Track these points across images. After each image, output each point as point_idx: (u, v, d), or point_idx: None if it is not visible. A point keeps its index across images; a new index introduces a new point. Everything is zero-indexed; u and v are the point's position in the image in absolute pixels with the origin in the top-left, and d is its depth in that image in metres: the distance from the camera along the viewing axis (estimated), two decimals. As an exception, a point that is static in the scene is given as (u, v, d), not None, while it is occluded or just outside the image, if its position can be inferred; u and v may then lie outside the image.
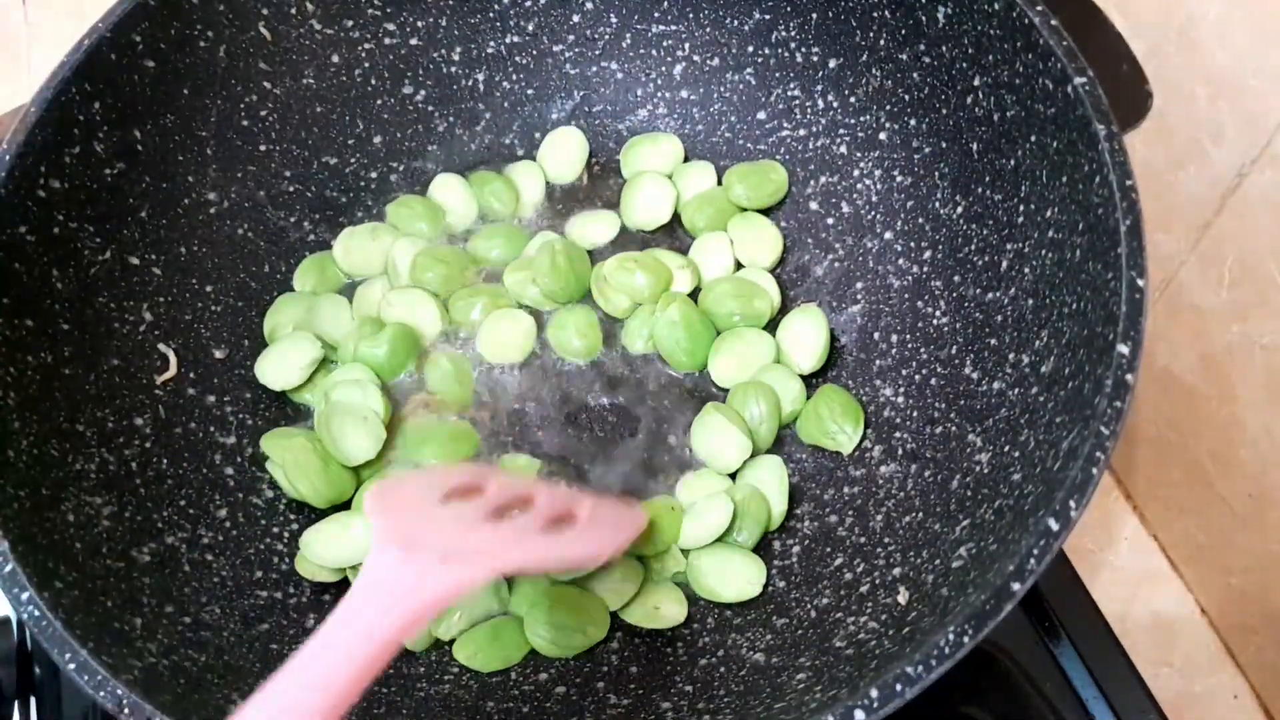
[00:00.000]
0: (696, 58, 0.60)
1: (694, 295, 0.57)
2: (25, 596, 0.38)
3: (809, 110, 0.58)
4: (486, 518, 0.40)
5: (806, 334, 0.54)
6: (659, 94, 0.62)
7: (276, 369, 0.54)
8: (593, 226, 0.60)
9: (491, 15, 0.60)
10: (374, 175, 0.61)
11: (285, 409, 0.55)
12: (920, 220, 0.53)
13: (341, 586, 0.50)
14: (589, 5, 0.60)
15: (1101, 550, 0.58)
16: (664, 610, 0.49)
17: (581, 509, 0.43)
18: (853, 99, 0.56)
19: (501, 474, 0.47)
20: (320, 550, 0.49)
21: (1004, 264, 0.47)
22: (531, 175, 0.62)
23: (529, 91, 0.62)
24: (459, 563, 0.37)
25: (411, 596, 0.35)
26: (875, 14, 0.52)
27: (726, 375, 0.55)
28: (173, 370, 0.52)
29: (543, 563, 0.43)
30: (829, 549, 0.48)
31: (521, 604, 0.48)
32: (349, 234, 0.59)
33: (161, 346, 0.52)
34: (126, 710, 0.36)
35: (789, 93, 0.58)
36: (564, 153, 0.62)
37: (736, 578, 0.48)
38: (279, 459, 0.51)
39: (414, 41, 0.59)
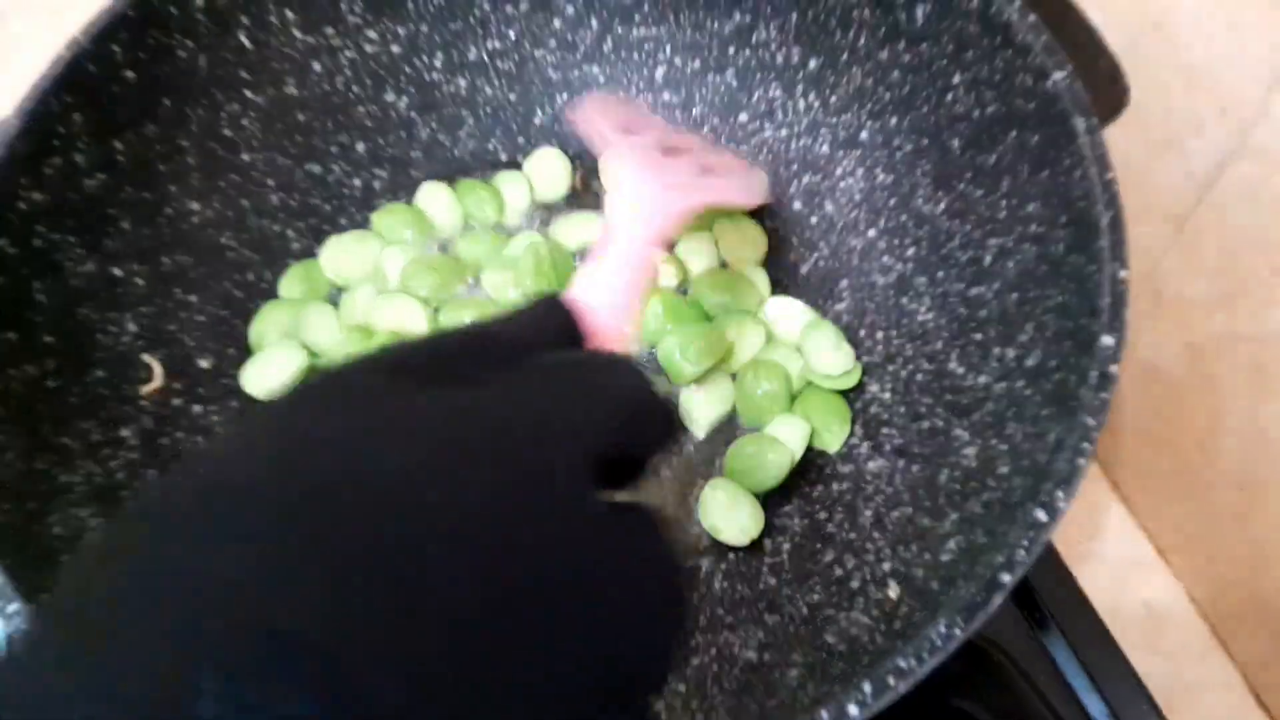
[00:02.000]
0: (678, 60, 0.61)
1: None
2: (13, 608, 0.38)
3: (790, 111, 0.58)
4: (695, 167, 0.49)
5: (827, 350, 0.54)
6: (641, 97, 0.62)
7: (262, 378, 0.54)
8: (577, 228, 0.60)
9: (473, 21, 0.60)
10: (357, 183, 0.61)
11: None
12: (903, 218, 0.53)
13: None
14: (570, 10, 0.60)
15: (1090, 541, 0.59)
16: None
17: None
18: (833, 99, 0.56)
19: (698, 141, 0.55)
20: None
21: (987, 259, 0.47)
22: (517, 184, 0.62)
23: (511, 97, 0.62)
24: (690, 190, 0.46)
25: (664, 208, 0.43)
26: (855, 14, 0.52)
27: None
28: (158, 381, 0.51)
29: (737, 196, 0.54)
30: (819, 545, 0.48)
31: None
32: (336, 241, 0.58)
33: (146, 357, 0.52)
34: None
35: (770, 94, 0.58)
36: (549, 172, 0.62)
37: (740, 520, 0.50)
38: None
39: (395, 49, 0.59)
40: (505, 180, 0.62)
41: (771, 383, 0.53)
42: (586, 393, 0.25)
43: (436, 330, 0.40)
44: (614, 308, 0.37)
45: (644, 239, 0.42)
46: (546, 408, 0.24)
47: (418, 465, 0.21)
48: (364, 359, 0.25)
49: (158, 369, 0.52)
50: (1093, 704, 0.51)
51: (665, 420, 0.29)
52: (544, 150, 0.63)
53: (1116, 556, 0.58)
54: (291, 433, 0.22)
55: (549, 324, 0.30)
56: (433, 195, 0.61)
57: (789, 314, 0.56)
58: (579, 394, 0.25)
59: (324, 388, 0.24)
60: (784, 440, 0.51)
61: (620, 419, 0.26)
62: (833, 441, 0.51)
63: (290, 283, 0.58)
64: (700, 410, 0.54)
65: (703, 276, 0.57)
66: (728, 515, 0.50)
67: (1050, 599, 0.53)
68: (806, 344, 0.54)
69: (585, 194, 0.62)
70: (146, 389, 0.51)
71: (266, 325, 0.56)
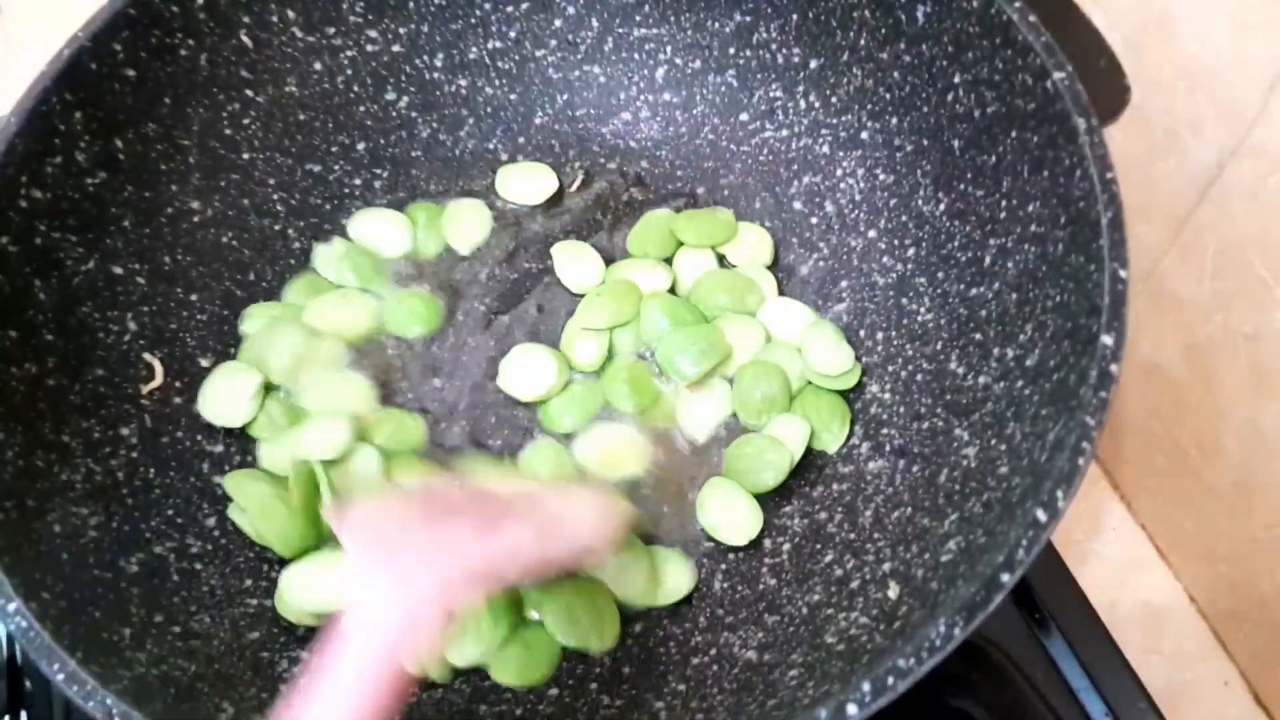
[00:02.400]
0: (678, 60, 0.61)
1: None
2: (12, 607, 0.38)
3: (791, 111, 0.58)
4: (472, 531, 0.38)
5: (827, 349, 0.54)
6: (642, 97, 0.62)
7: (220, 404, 0.52)
8: (578, 267, 0.59)
9: (473, 21, 0.60)
10: (358, 182, 0.61)
11: (273, 417, 0.55)
12: (903, 218, 0.53)
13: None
14: (570, 10, 0.60)
15: (1089, 540, 0.59)
16: (670, 582, 0.49)
17: (563, 506, 0.42)
18: (834, 99, 0.56)
19: (478, 485, 0.44)
20: (302, 593, 0.47)
21: (987, 259, 0.47)
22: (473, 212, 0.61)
23: (512, 97, 0.62)
24: (453, 585, 0.36)
25: (407, 628, 0.34)
26: (855, 14, 0.52)
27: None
28: (158, 380, 0.51)
29: (538, 566, 0.40)
30: (819, 546, 0.48)
31: (539, 606, 0.47)
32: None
33: (147, 356, 0.52)
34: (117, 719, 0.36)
35: (771, 94, 0.58)
36: (530, 182, 0.62)
37: (737, 519, 0.50)
38: (243, 504, 0.49)
39: (396, 48, 0.59)
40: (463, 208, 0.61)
41: (770, 385, 0.53)
42: None
43: None
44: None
45: (376, 667, 0.33)
46: None
47: None
48: None
49: (158, 367, 0.52)
50: (1092, 704, 0.51)
51: None
52: (521, 164, 0.62)
53: (1116, 556, 0.58)
54: None
55: None
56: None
57: (788, 315, 0.56)
58: None
59: None
60: (783, 440, 0.51)
61: None
62: (832, 442, 0.51)
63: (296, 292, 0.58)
64: (699, 412, 0.54)
65: (703, 278, 0.57)
66: (726, 515, 0.50)
67: (1050, 599, 0.53)
68: (806, 343, 0.54)
69: (585, 191, 0.62)
70: (147, 387, 0.51)
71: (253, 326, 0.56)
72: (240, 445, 0.53)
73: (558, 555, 0.40)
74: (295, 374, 0.54)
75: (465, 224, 0.60)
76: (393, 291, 0.58)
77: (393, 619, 0.34)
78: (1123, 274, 0.37)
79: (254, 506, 0.49)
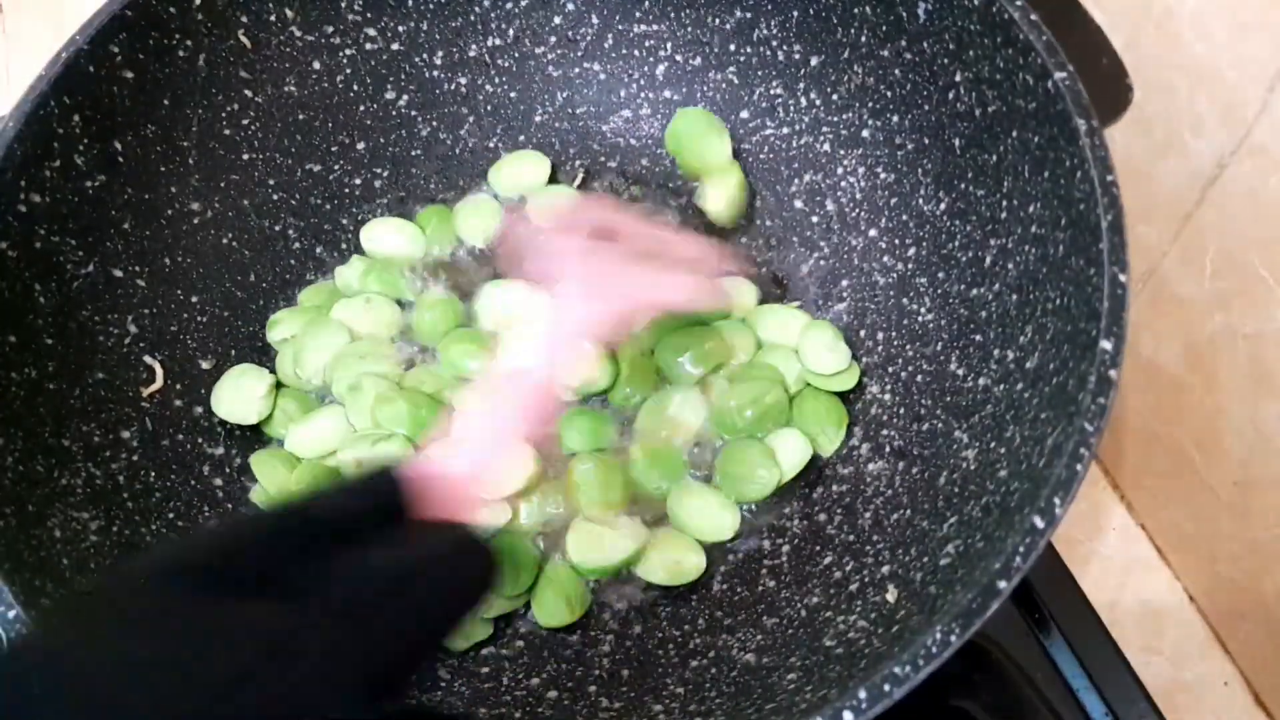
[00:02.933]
0: (679, 57, 0.60)
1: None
2: (12, 614, 0.38)
3: (792, 108, 0.58)
4: (631, 259, 0.45)
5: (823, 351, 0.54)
6: (642, 94, 0.62)
7: (232, 402, 0.53)
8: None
9: (473, 19, 0.60)
10: (358, 181, 0.61)
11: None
12: (904, 217, 0.53)
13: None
14: (570, 7, 0.60)
15: (1090, 540, 0.59)
16: (684, 562, 0.49)
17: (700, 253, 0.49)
18: (835, 96, 0.56)
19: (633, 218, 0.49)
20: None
21: (988, 260, 0.47)
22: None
23: (512, 94, 0.62)
24: (621, 295, 0.43)
25: (596, 313, 0.41)
26: (856, 11, 0.52)
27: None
28: (159, 383, 0.51)
29: (682, 300, 0.46)
30: (818, 547, 0.48)
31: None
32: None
33: (147, 359, 0.52)
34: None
35: (771, 91, 0.58)
36: (526, 171, 0.62)
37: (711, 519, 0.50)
38: (266, 483, 0.51)
39: (395, 47, 0.59)
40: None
41: (757, 402, 0.52)
42: (382, 626, 0.27)
43: (255, 516, 0.42)
44: (473, 469, 0.36)
45: (537, 380, 0.39)
46: (338, 645, 0.26)
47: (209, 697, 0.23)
48: (171, 558, 0.28)
49: (159, 370, 0.52)
50: (1092, 703, 0.51)
51: (474, 602, 0.31)
52: (520, 153, 0.62)
53: (1116, 556, 0.58)
54: (102, 654, 0.24)
55: (373, 503, 0.32)
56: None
57: (782, 320, 0.56)
58: (372, 631, 0.27)
59: (128, 599, 0.26)
60: (779, 456, 0.51)
61: (418, 637, 0.29)
62: (827, 445, 0.51)
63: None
64: (688, 415, 0.54)
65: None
66: (703, 516, 0.51)
67: (1050, 599, 0.53)
68: (803, 343, 0.54)
69: (585, 189, 0.62)
70: (148, 390, 0.51)
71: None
72: (241, 447, 0.53)
73: (683, 298, 0.46)
74: (334, 372, 0.55)
75: (476, 218, 0.61)
76: (414, 292, 0.59)
77: (585, 318, 0.41)
78: (1122, 278, 0.37)
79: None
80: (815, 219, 0.58)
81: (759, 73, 0.58)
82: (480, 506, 0.36)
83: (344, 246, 0.60)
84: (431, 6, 0.59)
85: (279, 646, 0.25)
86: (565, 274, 0.43)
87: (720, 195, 0.58)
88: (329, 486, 0.33)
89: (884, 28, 0.51)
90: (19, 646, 0.26)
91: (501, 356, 0.41)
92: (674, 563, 0.49)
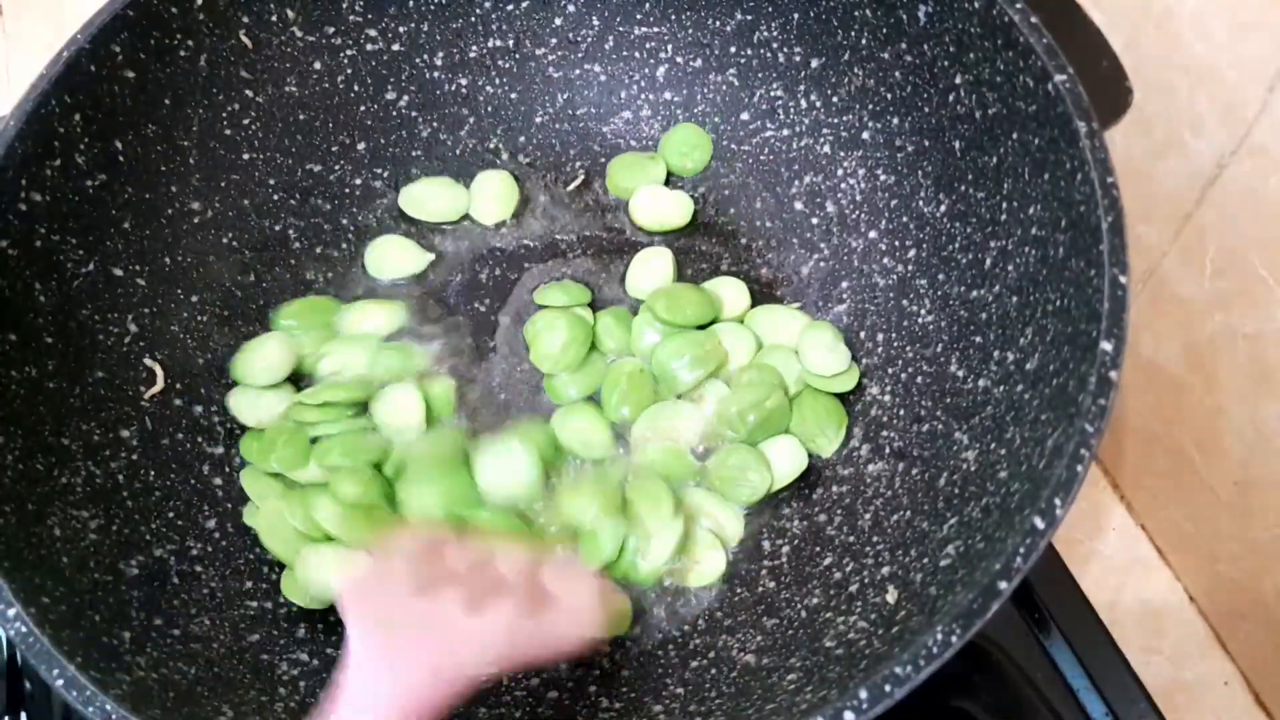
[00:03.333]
0: (679, 59, 0.60)
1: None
2: (12, 613, 0.38)
3: (792, 110, 0.58)
4: (465, 608, 0.37)
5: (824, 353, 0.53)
6: (642, 96, 0.62)
7: (251, 366, 0.54)
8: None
9: (474, 20, 0.60)
10: (358, 182, 0.61)
11: (273, 418, 0.55)
12: (904, 219, 0.53)
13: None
14: (571, 8, 0.60)
15: (1090, 540, 0.59)
16: (705, 564, 0.49)
17: (555, 579, 0.40)
18: (835, 98, 0.56)
19: (471, 546, 0.41)
20: (318, 573, 0.48)
21: (988, 261, 0.47)
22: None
23: (512, 95, 0.62)
24: (446, 672, 0.36)
25: (399, 709, 0.34)
26: (857, 13, 0.52)
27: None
28: (160, 384, 0.51)
29: (530, 655, 0.39)
30: (818, 548, 0.48)
31: None
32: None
33: (148, 361, 0.52)
34: (116, 724, 0.36)
35: (772, 93, 0.58)
36: (493, 195, 0.62)
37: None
38: (252, 520, 0.51)
39: (396, 47, 0.59)
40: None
41: (752, 408, 0.52)
42: None
43: None
44: None
45: None
46: None
47: None
48: None
49: (159, 372, 0.52)
50: (1092, 704, 0.51)
51: None
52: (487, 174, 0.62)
53: (1116, 556, 0.58)
54: None
55: None
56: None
57: (781, 321, 0.56)
58: None
59: None
60: (773, 462, 0.51)
61: None
62: (826, 446, 0.51)
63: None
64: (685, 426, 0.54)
65: (657, 294, 0.56)
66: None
67: (1050, 599, 0.53)
68: (803, 344, 0.54)
69: (587, 192, 0.62)
70: (149, 391, 0.51)
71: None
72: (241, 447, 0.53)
73: (545, 643, 0.39)
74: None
75: (491, 193, 0.61)
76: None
77: (386, 702, 0.34)
78: (1123, 280, 0.37)
79: (262, 524, 0.50)
80: (815, 220, 0.58)
81: (759, 75, 0.58)
82: None
83: (344, 247, 0.60)
84: (432, 8, 0.59)
85: None
86: (364, 629, 0.36)
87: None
88: None
89: (884, 30, 0.51)
90: None
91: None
92: (694, 564, 0.50)
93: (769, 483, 0.50)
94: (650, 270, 0.58)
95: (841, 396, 0.53)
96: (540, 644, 0.38)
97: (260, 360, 0.54)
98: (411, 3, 0.59)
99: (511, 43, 0.61)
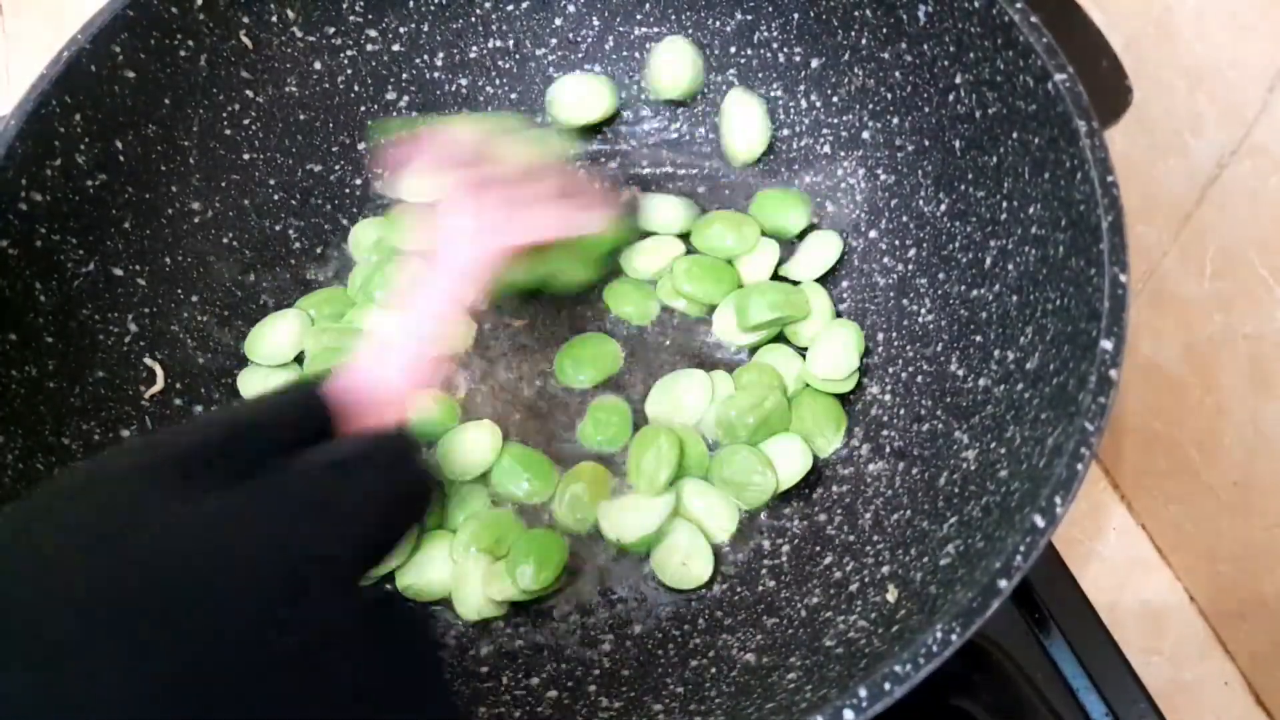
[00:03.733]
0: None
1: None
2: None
3: (792, 110, 0.58)
4: (514, 195, 0.48)
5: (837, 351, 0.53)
6: (642, 96, 0.62)
7: (264, 344, 0.56)
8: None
9: (474, 20, 0.60)
10: (359, 182, 0.61)
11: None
12: (904, 218, 0.53)
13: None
14: (571, 9, 0.60)
15: (1090, 540, 0.59)
16: (691, 567, 0.49)
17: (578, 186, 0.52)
18: (835, 98, 0.56)
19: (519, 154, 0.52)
20: None
21: (988, 261, 0.47)
22: None
23: (512, 96, 0.62)
24: (507, 231, 0.46)
25: (478, 255, 0.44)
26: (856, 13, 0.52)
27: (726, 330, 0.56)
28: (160, 384, 0.51)
29: (561, 227, 0.50)
30: (818, 548, 0.48)
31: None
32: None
33: (149, 361, 0.52)
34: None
35: (772, 93, 0.58)
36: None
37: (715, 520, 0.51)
38: None
39: (396, 48, 0.59)
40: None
41: (751, 410, 0.52)
42: (328, 512, 0.28)
43: (195, 422, 0.44)
44: (394, 381, 0.37)
45: (444, 296, 0.42)
46: (293, 529, 0.26)
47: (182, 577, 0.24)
48: (127, 457, 0.28)
49: (159, 372, 0.52)
50: (1092, 703, 0.51)
51: (419, 504, 0.32)
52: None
53: (1116, 556, 0.58)
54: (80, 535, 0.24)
55: (300, 418, 0.32)
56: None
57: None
58: (320, 517, 0.27)
59: (96, 493, 0.26)
60: (777, 465, 0.51)
61: (365, 527, 0.29)
62: (825, 447, 0.51)
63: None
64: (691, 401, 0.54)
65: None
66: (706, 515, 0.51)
67: (1050, 599, 0.53)
68: (819, 343, 0.53)
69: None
70: (149, 391, 0.51)
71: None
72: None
73: (570, 223, 0.51)
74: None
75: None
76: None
77: (471, 255, 0.44)
78: (1123, 279, 0.37)
79: None
80: (815, 220, 0.58)
81: (759, 75, 0.58)
82: (410, 410, 0.37)
83: (344, 247, 0.60)
84: (433, 8, 0.59)
85: (274, 525, 0.26)
86: (448, 211, 0.46)
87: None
88: (256, 403, 0.34)
89: (884, 30, 0.51)
90: None
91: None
92: (680, 565, 0.49)
93: (774, 484, 0.50)
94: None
95: (840, 396, 0.53)
96: (565, 223, 0.50)
97: (272, 339, 0.55)
98: (412, 3, 0.59)
99: (511, 43, 0.61)
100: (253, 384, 0.55)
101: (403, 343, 0.39)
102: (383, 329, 0.40)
